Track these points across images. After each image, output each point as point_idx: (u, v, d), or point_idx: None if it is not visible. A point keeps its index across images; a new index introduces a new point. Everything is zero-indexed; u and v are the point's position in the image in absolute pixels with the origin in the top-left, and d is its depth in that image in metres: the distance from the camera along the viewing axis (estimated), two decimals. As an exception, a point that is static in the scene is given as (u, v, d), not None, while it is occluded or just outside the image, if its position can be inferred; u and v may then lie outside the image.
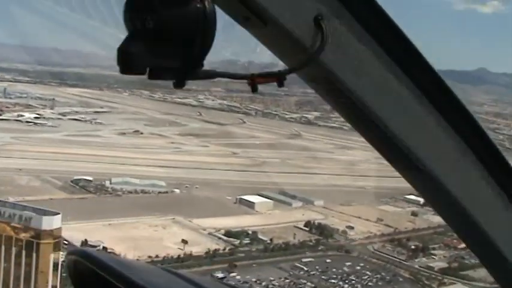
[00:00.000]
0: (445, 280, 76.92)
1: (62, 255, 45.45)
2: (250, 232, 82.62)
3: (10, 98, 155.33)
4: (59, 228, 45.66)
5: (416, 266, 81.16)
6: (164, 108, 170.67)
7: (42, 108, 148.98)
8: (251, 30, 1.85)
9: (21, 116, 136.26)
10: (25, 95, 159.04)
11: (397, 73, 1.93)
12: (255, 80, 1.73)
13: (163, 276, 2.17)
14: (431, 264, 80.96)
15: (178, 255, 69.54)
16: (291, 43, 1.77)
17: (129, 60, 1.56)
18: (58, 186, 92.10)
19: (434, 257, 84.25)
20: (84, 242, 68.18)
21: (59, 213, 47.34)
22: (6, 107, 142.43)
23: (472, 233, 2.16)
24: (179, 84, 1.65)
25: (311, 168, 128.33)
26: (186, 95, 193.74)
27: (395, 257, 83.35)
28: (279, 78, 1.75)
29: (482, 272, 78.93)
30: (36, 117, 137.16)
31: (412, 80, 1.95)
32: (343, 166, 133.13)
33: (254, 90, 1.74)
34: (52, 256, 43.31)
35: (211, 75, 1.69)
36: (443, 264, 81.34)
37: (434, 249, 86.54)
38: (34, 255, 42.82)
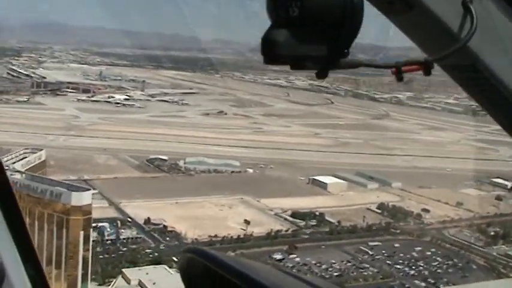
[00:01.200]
0: (522, 269, 70.56)
1: (92, 231, 44.84)
2: (317, 214, 79.50)
3: (105, 80, 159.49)
4: (89, 205, 44.99)
5: (494, 254, 75.11)
6: (253, 90, 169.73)
7: (133, 90, 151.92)
8: (392, 16, 1.68)
9: (112, 97, 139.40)
10: (119, 78, 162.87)
11: None
12: (400, 69, 1.63)
13: (280, 276, 2.01)
14: (511, 253, 74.57)
15: (238, 236, 67.83)
16: (437, 28, 1.66)
17: (274, 49, 1.53)
18: (134, 165, 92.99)
19: None
20: (147, 220, 67.91)
21: (89, 189, 46.66)
22: (99, 89, 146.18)
23: None
24: (322, 74, 1.62)
25: (394, 149, 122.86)
26: (277, 76, 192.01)
27: (472, 243, 77.66)
28: (425, 66, 1.62)
29: None
30: (125, 99, 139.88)
31: None
32: (429, 148, 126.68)
33: (399, 79, 1.63)
34: (82, 232, 42.73)
35: (355, 64, 1.63)
36: None
37: None
38: (64, 230, 42.41)
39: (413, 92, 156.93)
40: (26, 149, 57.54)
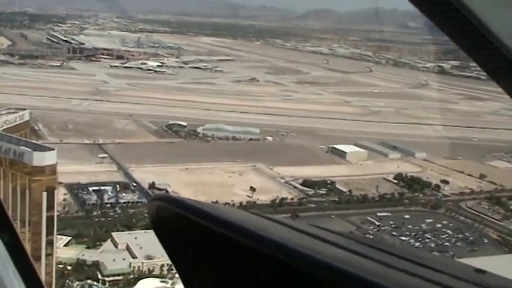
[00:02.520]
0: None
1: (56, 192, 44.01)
2: (329, 183, 77.33)
3: (142, 47, 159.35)
4: (53, 165, 43.96)
5: (511, 227, 71.56)
6: (292, 57, 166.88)
7: (168, 57, 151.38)
8: None
9: (144, 64, 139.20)
10: (157, 45, 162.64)
11: None
12: None
13: (250, 217, 1.94)
14: None
15: (241, 202, 66.35)
16: None
17: None
18: (151, 131, 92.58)
19: None
20: (152, 185, 67.31)
21: (53, 149, 45.59)
22: (132, 55, 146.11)
23: None
24: None
25: (426, 118, 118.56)
26: (319, 43, 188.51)
27: (489, 216, 74.21)
28: None
29: None
30: (158, 65, 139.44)
31: None
32: (464, 117, 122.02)
33: None
34: (45, 193, 41.96)
35: None
36: None
37: None
38: (27, 191, 41.75)
39: (460, 60, 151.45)
40: (9, 108, 57.10)
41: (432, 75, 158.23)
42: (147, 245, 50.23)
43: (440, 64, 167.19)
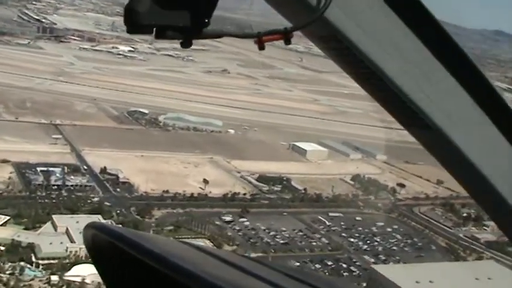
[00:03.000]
0: (484, 254, 67.23)
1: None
2: (285, 180, 76.79)
3: (116, 31, 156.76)
4: None
5: (461, 235, 71.92)
6: (268, 52, 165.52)
7: (141, 43, 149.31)
8: None
9: (115, 48, 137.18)
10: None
11: (405, 30, 1.82)
12: (261, 39, 1.65)
13: (183, 248, 2.05)
14: (478, 236, 71.26)
15: (192, 194, 65.47)
16: (296, 1, 1.72)
17: (136, 19, 1.50)
18: (112, 116, 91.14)
19: (486, 228, 74.25)
20: (103, 169, 66.08)
21: None
22: (104, 39, 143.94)
23: (483, 191, 2.12)
24: (186, 44, 1.61)
25: (394, 123, 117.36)
26: (297, 40, 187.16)
27: (440, 223, 74.54)
28: (285, 35, 1.65)
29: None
30: (130, 51, 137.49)
31: (420, 36, 1.84)
32: None
33: (261, 48, 1.65)
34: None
35: (218, 34, 1.63)
36: (492, 237, 71.37)
37: (490, 219, 76.27)
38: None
39: None
40: None
41: None
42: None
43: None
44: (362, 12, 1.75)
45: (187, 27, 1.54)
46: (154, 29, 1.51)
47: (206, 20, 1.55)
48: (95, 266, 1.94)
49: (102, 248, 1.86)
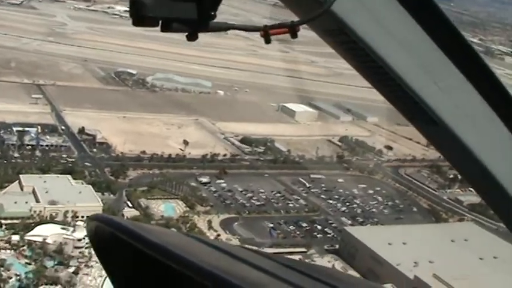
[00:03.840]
0: (465, 217, 66.17)
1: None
2: (269, 141, 75.58)
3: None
4: None
5: (444, 198, 70.83)
6: (271, 13, 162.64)
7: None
8: None
9: (111, 8, 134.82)
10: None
11: (413, 24, 1.82)
12: (267, 32, 1.66)
13: (187, 241, 2.09)
14: (461, 198, 70.05)
15: (170, 155, 64.48)
16: None
17: (142, 11, 1.51)
18: (98, 76, 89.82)
19: (472, 190, 72.91)
20: (81, 130, 65.13)
21: None
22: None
23: (488, 186, 2.09)
24: (192, 37, 1.61)
25: None
26: None
27: (425, 185, 73.43)
28: (292, 29, 1.66)
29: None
30: (125, 11, 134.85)
31: (428, 31, 1.84)
32: None
33: (267, 42, 1.67)
34: None
35: (224, 27, 1.65)
36: (476, 199, 70.21)
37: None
38: None
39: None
40: None
41: None
42: (54, 190, 48.43)
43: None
44: (370, 6, 1.73)
45: (193, 20, 1.52)
46: (160, 21, 1.49)
47: (212, 13, 1.54)
48: (98, 258, 1.94)
49: (105, 240, 1.86)
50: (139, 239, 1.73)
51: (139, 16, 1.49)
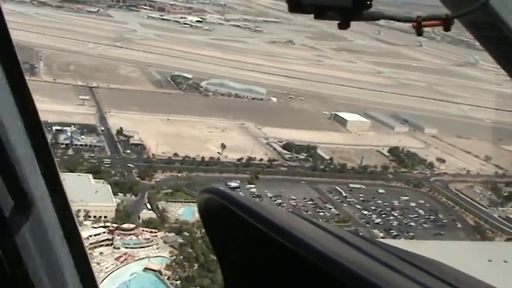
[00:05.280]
0: (514, 236, 59.21)
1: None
2: (312, 148, 71.53)
3: (192, 2, 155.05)
4: None
5: (495, 215, 63.98)
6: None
7: (212, 13, 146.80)
8: None
9: (184, 18, 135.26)
10: (208, 2, 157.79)
11: None
12: (420, 23, 1.60)
13: (299, 221, 1.93)
14: None
15: (203, 158, 61.80)
16: None
17: None
18: (153, 80, 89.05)
19: None
20: (120, 131, 63.90)
21: None
22: (173, 9, 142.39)
23: None
24: (344, 25, 1.58)
25: (456, 97, 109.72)
26: None
27: (476, 201, 66.77)
28: (446, 22, 1.59)
29: None
30: (197, 21, 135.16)
31: None
32: (503, 100, 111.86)
33: (419, 34, 1.61)
34: None
35: (377, 16, 1.59)
36: None
37: None
38: None
39: None
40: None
41: (486, 55, 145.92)
42: (70, 188, 46.53)
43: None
44: None
45: (348, 9, 1.48)
46: (314, 8, 1.47)
47: (368, 2, 1.50)
48: (206, 230, 1.84)
49: (214, 211, 1.76)
50: (250, 212, 1.63)
51: (296, 3, 1.44)
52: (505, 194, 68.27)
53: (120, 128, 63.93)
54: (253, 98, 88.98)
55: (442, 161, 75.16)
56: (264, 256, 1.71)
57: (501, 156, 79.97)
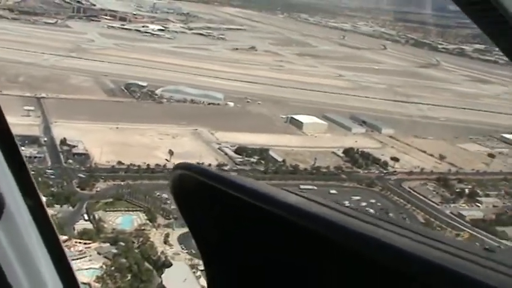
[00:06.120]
0: (464, 233, 58.12)
1: None
2: (265, 151, 69.83)
3: (156, 12, 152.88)
4: None
5: (447, 212, 62.96)
6: (310, 31, 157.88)
7: (175, 23, 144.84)
8: None
9: (145, 27, 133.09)
10: (171, 11, 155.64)
11: None
12: None
13: (273, 188, 1.89)
14: (465, 213, 62.25)
15: (148, 165, 59.65)
16: None
17: None
18: (106, 89, 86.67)
19: (479, 204, 65.11)
20: (63, 141, 61.42)
21: None
22: (135, 18, 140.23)
23: None
24: None
25: (416, 97, 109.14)
26: (346, 20, 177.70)
27: (428, 198, 65.77)
28: None
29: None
30: (159, 29, 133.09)
31: None
32: (460, 99, 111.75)
33: None
34: None
35: None
36: (479, 214, 62.37)
37: (487, 196, 66.88)
38: None
39: (486, 44, 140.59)
40: None
41: (448, 56, 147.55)
42: None
43: (462, 47, 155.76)
44: None
45: None
46: None
47: None
48: (180, 208, 1.75)
49: (189, 188, 1.69)
50: (225, 183, 1.56)
51: None
52: (458, 190, 67.38)
53: (64, 138, 61.46)
54: (209, 104, 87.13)
55: (397, 160, 74.07)
56: (253, 229, 1.62)
57: (456, 154, 79.31)
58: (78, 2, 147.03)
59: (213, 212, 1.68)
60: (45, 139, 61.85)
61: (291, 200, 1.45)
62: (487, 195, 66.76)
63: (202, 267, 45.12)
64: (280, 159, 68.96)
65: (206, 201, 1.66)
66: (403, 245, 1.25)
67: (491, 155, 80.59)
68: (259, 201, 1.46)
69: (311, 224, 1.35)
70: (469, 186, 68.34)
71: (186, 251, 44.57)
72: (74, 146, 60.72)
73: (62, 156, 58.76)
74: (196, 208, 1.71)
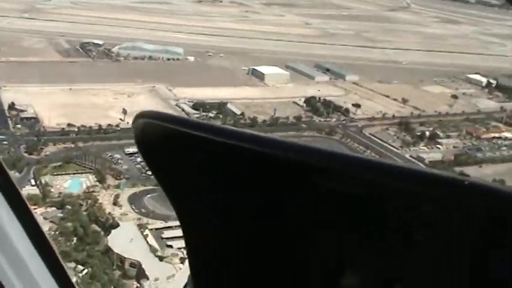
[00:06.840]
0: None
1: None
2: (224, 105, 68.56)
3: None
4: None
5: (406, 156, 62.49)
6: None
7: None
8: None
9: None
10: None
11: None
12: None
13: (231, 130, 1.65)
14: (424, 155, 61.98)
15: (100, 126, 58.13)
16: None
17: None
18: (60, 50, 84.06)
19: (439, 146, 64.79)
20: (11, 105, 59.53)
21: None
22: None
23: None
24: None
25: (383, 42, 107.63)
26: None
27: (388, 143, 65.25)
28: None
29: (485, 170, 59.38)
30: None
31: None
32: (428, 40, 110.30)
33: None
34: None
35: None
36: (439, 156, 62.13)
37: (448, 137, 66.51)
38: None
39: None
40: None
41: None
42: None
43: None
44: None
45: None
46: None
47: None
48: (144, 156, 1.57)
49: (154, 135, 1.53)
50: (193, 126, 1.44)
51: None
52: (418, 133, 66.97)
53: (12, 102, 59.56)
54: (168, 59, 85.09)
55: (358, 106, 73.22)
56: (228, 165, 1.50)
57: (420, 97, 78.64)
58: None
59: (185, 159, 1.53)
60: (-7, 104, 59.96)
61: (263, 135, 1.36)
62: (448, 137, 66.43)
63: (151, 226, 44.51)
64: (238, 112, 67.77)
65: (176, 149, 1.52)
66: (372, 160, 1.20)
67: (454, 96, 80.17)
68: (234, 139, 1.37)
69: (288, 154, 1.27)
70: (430, 129, 67.93)
71: (136, 211, 43.78)
72: (23, 111, 58.93)
73: (10, 122, 57.00)
74: (163, 155, 1.55)
